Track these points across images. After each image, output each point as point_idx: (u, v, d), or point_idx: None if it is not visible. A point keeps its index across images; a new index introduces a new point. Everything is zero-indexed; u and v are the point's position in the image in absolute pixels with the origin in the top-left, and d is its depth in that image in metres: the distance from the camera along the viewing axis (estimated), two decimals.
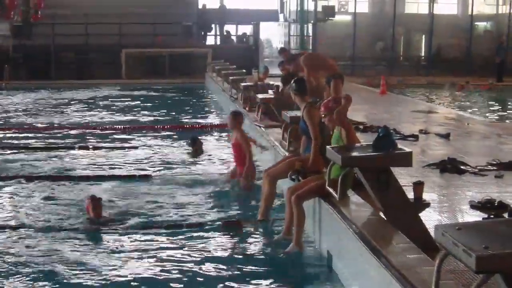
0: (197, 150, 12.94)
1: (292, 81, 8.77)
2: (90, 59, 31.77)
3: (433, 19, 33.99)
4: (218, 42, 34.48)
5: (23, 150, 13.41)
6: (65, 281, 6.57)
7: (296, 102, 8.68)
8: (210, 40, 34.66)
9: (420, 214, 6.47)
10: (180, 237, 7.86)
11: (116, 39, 31.21)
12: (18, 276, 6.67)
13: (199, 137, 13.60)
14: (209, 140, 14.70)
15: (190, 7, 34.43)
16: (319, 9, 33.12)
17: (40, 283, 6.51)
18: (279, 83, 13.86)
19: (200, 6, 34.78)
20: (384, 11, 36.08)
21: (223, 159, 12.51)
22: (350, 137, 6.96)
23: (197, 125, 17.17)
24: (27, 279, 6.60)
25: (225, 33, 34.51)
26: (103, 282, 6.54)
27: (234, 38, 35.04)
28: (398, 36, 35.49)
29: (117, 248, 7.49)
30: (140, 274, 6.70)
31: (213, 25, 34.20)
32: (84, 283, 6.53)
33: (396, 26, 34.05)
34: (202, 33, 34.20)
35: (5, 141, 14.78)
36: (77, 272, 6.76)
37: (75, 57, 31.93)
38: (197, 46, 32.27)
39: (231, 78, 18.96)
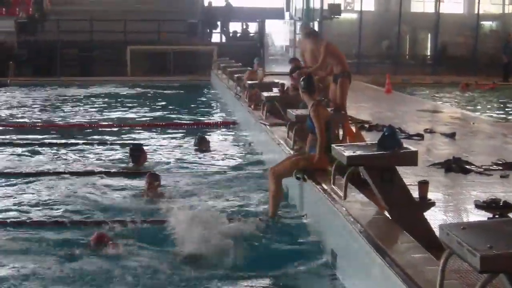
0: (204, 149, 12.93)
1: (301, 79, 8.73)
2: (94, 56, 31.76)
3: (439, 18, 33.92)
4: (224, 40, 34.44)
5: (26, 147, 13.42)
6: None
7: (304, 99, 8.65)
8: (215, 38, 34.62)
9: (425, 214, 6.47)
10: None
11: (121, 36, 31.23)
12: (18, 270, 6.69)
13: (205, 136, 13.65)
14: (214, 137, 14.67)
15: (195, 4, 34.42)
16: (325, 7, 33.06)
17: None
18: (285, 82, 13.89)
19: (205, 4, 34.77)
20: (390, 9, 35.99)
21: (226, 157, 12.52)
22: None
23: (202, 123, 17.16)
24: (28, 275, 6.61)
25: (244, 27, 34.55)
26: (103, 279, 6.54)
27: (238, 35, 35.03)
28: (404, 34, 35.42)
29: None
30: (140, 270, 6.67)
31: (218, 23, 34.16)
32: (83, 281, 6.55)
33: (402, 24, 33.99)
34: (208, 30, 34.17)
35: (9, 137, 14.80)
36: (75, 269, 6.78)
37: (79, 54, 31.93)
38: (203, 44, 32.26)
39: (236, 75, 18.97)
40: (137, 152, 11.52)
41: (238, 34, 34.60)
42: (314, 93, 8.48)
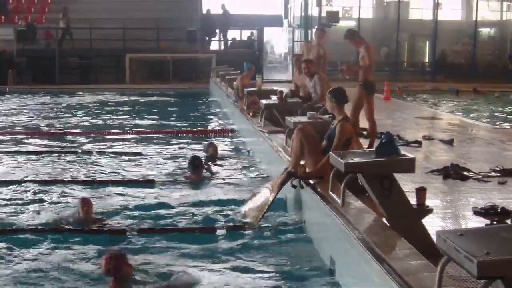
0: (212, 155, 12.90)
1: (329, 90, 8.52)
2: (94, 64, 31.81)
3: (437, 25, 34.00)
4: (222, 47, 34.49)
5: (26, 154, 13.44)
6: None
7: (332, 111, 8.43)
8: (214, 45, 34.67)
9: (423, 220, 6.48)
10: (182, 241, 7.83)
11: (120, 44, 31.29)
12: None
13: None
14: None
15: (194, 12, 34.47)
16: (323, 14, 33.15)
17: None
18: (283, 89, 13.93)
19: (204, 11, 34.81)
20: (388, 16, 36.10)
21: (225, 164, 12.52)
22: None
23: (200, 131, 17.16)
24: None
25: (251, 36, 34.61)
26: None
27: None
28: (402, 41, 35.51)
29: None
30: (139, 277, 6.69)
31: (217, 30, 34.19)
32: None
33: (400, 31, 34.07)
34: (206, 38, 34.22)
35: (9, 145, 14.81)
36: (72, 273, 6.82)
37: (78, 62, 31.97)
38: (201, 51, 32.31)
39: (234, 83, 19.01)
40: (198, 161, 11.33)
41: (238, 41, 34.68)
42: (344, 105, 8.27)
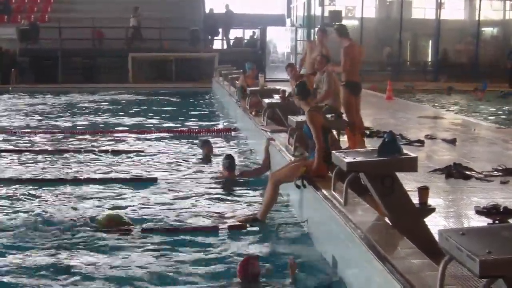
0: (207, 152, 12.91)
1: (295, 85, 8.75)
2: (97, 64, 31.81)
3: (440, 24, 33.99)
4: (225, 47, 34.46)
5: (29, 153, 13.46)
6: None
7: (300, 106, 8.65)
8: (217, 45, 34.67)
9: (425, 219, 6.48)
10: (183, 240, 7.84)
11: (123, 43, 31.30)
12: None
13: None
14: (215, 144, 14.64)
15: (197, 11, 34.50)
16: (326, 14, 33.16)
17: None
18: (286, 88, 13.95)
19: (207, 11, 34.81)
20: (391, 16, 36.10)
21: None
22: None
23: (203, 130, 17.17)
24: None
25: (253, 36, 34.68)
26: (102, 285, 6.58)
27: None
28: (405, 41, 35.50)
29: (118, 251, 7.47)
30: (141, 278, 6.69)
31: (220, 29, 34.19)
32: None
33: (403, 31, 34.06)
34: (209, 37, 34.20)
35: (11, 143, 14.83)
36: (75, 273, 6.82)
37: (82, 61, 31.98)
38: (204, 51, 32.31)
39: (237, 82, 19.02)
40: (232, 159, 11.27)
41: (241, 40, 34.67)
42: (309, 98, 8.44)
